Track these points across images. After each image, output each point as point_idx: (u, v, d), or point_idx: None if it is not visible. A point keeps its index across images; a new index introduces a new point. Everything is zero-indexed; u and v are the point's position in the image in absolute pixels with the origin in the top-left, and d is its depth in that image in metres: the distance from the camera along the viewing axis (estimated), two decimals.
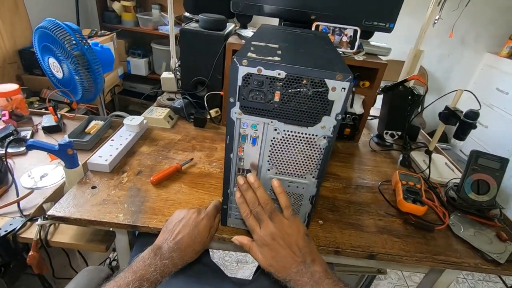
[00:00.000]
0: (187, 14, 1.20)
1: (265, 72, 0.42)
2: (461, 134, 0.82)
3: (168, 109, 0.99)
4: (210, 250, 0.63)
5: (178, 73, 1.11)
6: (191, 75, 1.00)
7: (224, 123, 1.00)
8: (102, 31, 1.94)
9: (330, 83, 0.41)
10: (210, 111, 0.99)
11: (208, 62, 0.96)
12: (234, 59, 0.41)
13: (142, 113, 0.96)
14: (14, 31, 1.64)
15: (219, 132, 0.96)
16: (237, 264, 1.52)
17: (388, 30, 0.89)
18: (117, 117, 1.09)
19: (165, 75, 1.14)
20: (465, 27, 2.32)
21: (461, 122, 0.81)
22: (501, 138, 2.11)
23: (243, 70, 0.42)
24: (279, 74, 0.42)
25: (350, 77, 0.41)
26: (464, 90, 0.84)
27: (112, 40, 1.95)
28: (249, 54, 0.43)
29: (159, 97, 1.11)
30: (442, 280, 0.71)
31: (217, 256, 1.55)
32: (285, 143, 0.47)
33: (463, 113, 0.82)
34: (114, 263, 1.07)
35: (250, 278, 0.67)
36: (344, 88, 0.42)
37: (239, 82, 0.43)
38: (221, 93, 0.98)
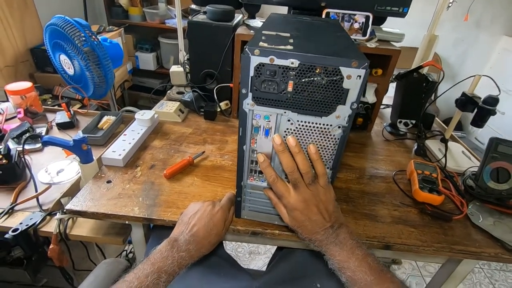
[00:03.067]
0: (193, 6, 1.19)
1: (278, 61, 0.41)
2: (480, 121, 0.80)
3: (178, 103, 0.99)
4: (223, 242, 0.64)
5: (187, 66, 1.10)
6: (200, 68, 1.00)
7: (234, 116, 1.00)
8: (110, 27, 1.95)
9: (345, 70, 0.40)
10: (220, 104, 0.98)
11: (217, 54, 0.95)
12: (246, 49, 0.41)
13: (151, 107, 0.96)
14: (25, 29, 1.66)
15: (230, 125, 0.95)
16: (250, 255, 1.54)
17: (402, 14, 0.86)
18: (128, 112, 1.10)
19: (174, 68, 1.14)
20: (480, 9, 2.22)
21: (479, 109, 0.79)
22: None
23: (255, 60, 0.41)
24: (292, 63, 0.41)
25: (366, 64, 0.39)
26: (482, 75, 0.81)
27: (120, 35, 1.96)
28: (261, 43, 0.42)
29: (168, 91, 1.11)
30: (459, 270, 0.69)
31: (230, 247, 1.57)
32: (299, 134, 0.46)
33: (481, 99, 0.79)
34: (130, 255, 1.10)
35: (263, 268, 0.67)
36: (360, 76, 0.40)
37: (251, 73, 0.42)
38: (231, 85, 0.97)
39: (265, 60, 0.41)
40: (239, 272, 0.60)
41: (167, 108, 0.96)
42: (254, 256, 1.53)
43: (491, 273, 1.50)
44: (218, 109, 0.98)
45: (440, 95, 0.98)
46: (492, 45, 2.35)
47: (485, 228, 0.62)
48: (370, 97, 0.95)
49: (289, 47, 0.42)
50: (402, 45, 0.95)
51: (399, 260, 0.98)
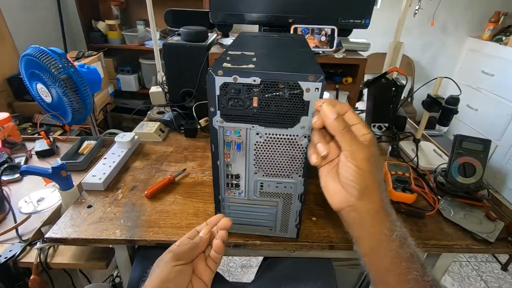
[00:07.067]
0: None
1: (241, 80, 0.44)
2: (444, 120, 0.84)
3: (159, 123, 1.00)
4: None
5: (165, 86, 1.13)
6: (178, 87, 1.02)
7: None
8: (89, 52, 1.96)
9: (303, 84, 0.43)
10: (199, 121, 1.00)
11: (193, 73, 0.98)
12: (210, 70, 0.43)
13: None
14: (2, 60, 1.66)
15: None
16: (242, 269, 1.53)
17: (365, 26, 0.92)
18: (111, 135, 1.10)
19: (153, 89, 1.16)
20: (444, 15, 2.36)
21: (443, 109, 0.84)
22: (491, 119, 2.14)
23: (219, 80, 0.44)
24: (254, 80, 0.43)
25: (322, 77, 0.43)
26: (444, 77, 0.86)
27: (99, 59, 1.97)
28: (225, 64, 0.45)
29: (149, 112, 1.12)
30: (439, 264, 0.72)
31: (221, 262, 1.56)
32: (268, 146, 0.49)
33: (444, 100, 0.84)
34: (117, 280, 1.08)
35: None
36: (318, 88, 0.43)
37: (217, 92, 0.45)
38: None
39: (229, 79, 0.44)
40: (222, 285, 0.61)
41: (148, 128, 0.97)
42: (247, 269, 1.52)
43: (478, 265, 1.54)
44: (198, 126, 1.00)
45: (408, 97, 1.03)
46: (458, 47, 2.49)
47: (456, 222, 0.65)
48: None
49: (251, 66, 0.45)
50: (374, 51, 1.01)
51: None
